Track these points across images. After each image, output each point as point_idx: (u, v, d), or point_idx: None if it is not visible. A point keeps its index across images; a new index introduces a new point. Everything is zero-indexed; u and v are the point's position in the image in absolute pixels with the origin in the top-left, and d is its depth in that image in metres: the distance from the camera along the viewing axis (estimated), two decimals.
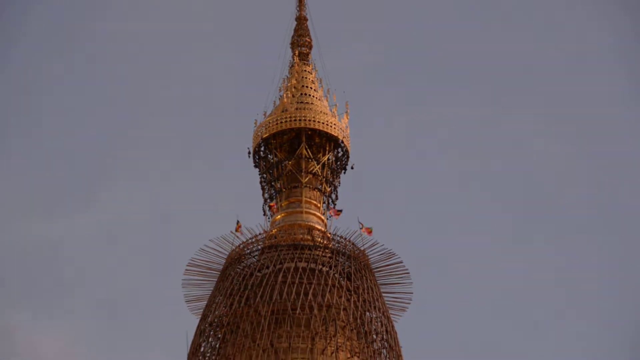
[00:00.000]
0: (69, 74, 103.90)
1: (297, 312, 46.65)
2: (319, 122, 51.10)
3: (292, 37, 53.19)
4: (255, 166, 52.68)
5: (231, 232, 50.39)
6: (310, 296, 47.31)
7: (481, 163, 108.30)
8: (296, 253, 49.43)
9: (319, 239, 50.29)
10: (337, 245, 50.51)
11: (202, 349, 48.31)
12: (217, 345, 48.46)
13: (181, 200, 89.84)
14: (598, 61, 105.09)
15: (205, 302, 49.40)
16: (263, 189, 52.55)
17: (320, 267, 49.03)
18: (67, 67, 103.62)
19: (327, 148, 51.82)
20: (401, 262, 49.89)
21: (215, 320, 48.75)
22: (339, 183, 52.26)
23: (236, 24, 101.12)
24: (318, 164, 51.59)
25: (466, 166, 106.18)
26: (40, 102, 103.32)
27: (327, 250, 50.04)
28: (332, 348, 47.37)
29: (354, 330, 47.74)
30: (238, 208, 53.73)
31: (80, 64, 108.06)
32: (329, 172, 52.22)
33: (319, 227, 50.91)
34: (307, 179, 51.60)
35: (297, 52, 52.64)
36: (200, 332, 48.33)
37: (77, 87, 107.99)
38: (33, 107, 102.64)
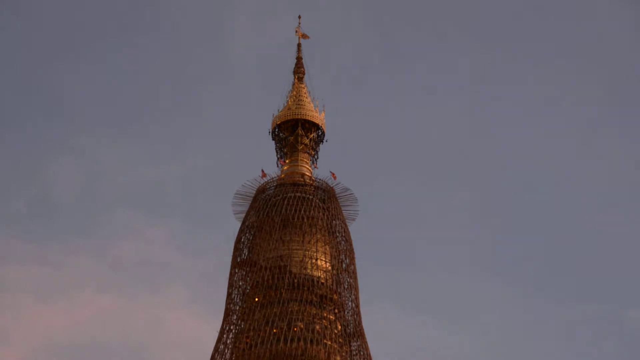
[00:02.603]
0: None
1: (295, 220, 77.12)
2: (308, 115, 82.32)
3: (294, 68, 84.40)
4: (273, 139, 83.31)
5: (259, 176, 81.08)
6: (302, 211, 77.71)
7: None
8: (295, 188, 79.80)
9: (308, 180, 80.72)
10: (317, 183, 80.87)
11: (242, 240, 79.16)
12: (251, 238, 79.09)
13: (239, 158, 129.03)
14: None
15: (244, 214, 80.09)
16: (276, 152, 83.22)
17: (308, 196, 79.46)
18: None
19: (313, 130, 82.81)
20: (352, 193, 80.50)
21: (249, 224, 79.30)
22: (319, 149, 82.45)
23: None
24: (307, 138, 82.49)
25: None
26: None
27: (311, 187, 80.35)
28: (314, 240, 77.60)
29: (326, 231, 78.25)
30: (262, 164, 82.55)
31: None
32: (313, 143, 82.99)
33: (308, 174, 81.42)
34: (301, 147, 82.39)
35: (296, 77, 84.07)
36: (241, 231, 79.23)
37: None
38: None
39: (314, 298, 75.79)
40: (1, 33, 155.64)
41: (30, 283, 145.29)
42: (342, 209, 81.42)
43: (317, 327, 74.70)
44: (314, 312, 75.31)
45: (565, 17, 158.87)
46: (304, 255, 77.56)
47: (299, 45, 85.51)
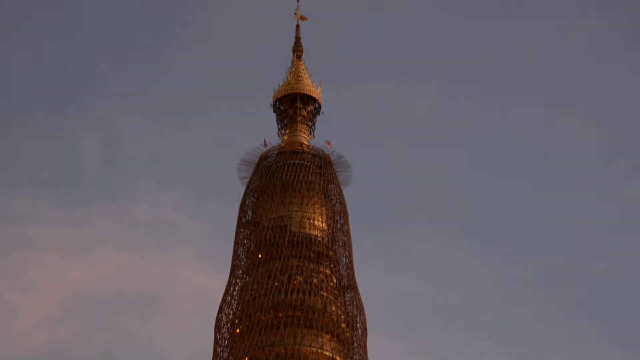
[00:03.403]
0: None
1: (294, 184, 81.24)
2: (306, 89, 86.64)
3: (293, 47, 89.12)
4: (274, 112, 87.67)
5: (261, 145, 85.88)
6: (300, 177, 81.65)
7: None
8: (294, 156, 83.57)
9: (306, 149, 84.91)
10: (314, 151, 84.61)
11: (246, 202, 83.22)
12: (254, 201, 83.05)
13: (244, 129, 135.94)
14: None
15: (248, 179, 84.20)
16: (277, 124, 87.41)
17: (306, 163, 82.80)
18: None
19: (310, 103, 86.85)
20: (346, 160, 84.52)
21: (253, 188, 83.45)
22: (316, 121, 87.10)
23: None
24: (305, 111, 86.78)
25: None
26: None
27: (309, 154, 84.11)
28: (312, 202, 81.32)
29: (322, 194, 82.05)
30: (265, 134, 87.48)
31: None
32: (311, 115, 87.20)
33: (306, 143, 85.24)
34: (300, 118, 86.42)
35: (295, 55, 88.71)
36: (245, 194, 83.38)
37: None
38: None
39: (312, 254, 78.94)
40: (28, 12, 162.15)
41: (56, 242, 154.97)
42: (337, 174, 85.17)
43: (315, 280, 77.90)
44: (312, 267, 78.54)
45: None
46: (303, 216, 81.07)
47: (297, 26, 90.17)
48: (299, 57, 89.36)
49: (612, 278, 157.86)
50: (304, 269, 78.33)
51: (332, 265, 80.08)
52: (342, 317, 77.97)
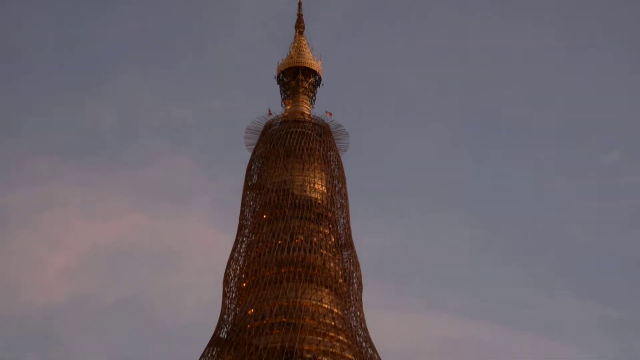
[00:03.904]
0: None
1: (296, 150, 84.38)
2: (307, 63, 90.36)
3: (295, 23, 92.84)
4: (278, 84, 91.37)
5: (266, 114, 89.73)
6: (302, 144, 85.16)
7: None
8: (296, 124, 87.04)
9: (307, 118, 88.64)
10: (315, 120, 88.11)
11: (252, 167, 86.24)
12: (260, 166, 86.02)
13: (250, 100, 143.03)
14: None
15: (254, 146, 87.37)
16: (281, 95, 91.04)
17: (307, 131, 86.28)
18: None
19: (311, 75, 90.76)
20: (344, 128, 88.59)
21: (258, 154, 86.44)
22: (317, 92, 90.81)
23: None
24: (307, 83, 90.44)
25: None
26: None
27: (310, 123, 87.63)
28: (312, 168, 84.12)
29: (322, 160, 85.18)
30: (269, 104, 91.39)
31: None
32: (312, 87, 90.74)
33: (307, 113, 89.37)
34: (302, 90, 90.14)
35: (297, 31, 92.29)
36: (251, 160, 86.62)
37: None
38: None
39: (312, 215, 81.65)
40: None
41: (78, 202, 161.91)
42: (336, 141, 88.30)
43: (315, 239, 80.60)
44: (312, 227, 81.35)
45: None
46: (304, 180, 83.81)
47: (299, 4, 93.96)
48: (301, 33, 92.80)
49: None
50: (304, 228, 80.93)
51: (330, 226, 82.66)
52: (340, 272, 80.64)
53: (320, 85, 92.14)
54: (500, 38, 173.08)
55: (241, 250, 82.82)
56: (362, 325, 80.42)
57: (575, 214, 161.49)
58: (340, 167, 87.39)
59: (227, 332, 79.44)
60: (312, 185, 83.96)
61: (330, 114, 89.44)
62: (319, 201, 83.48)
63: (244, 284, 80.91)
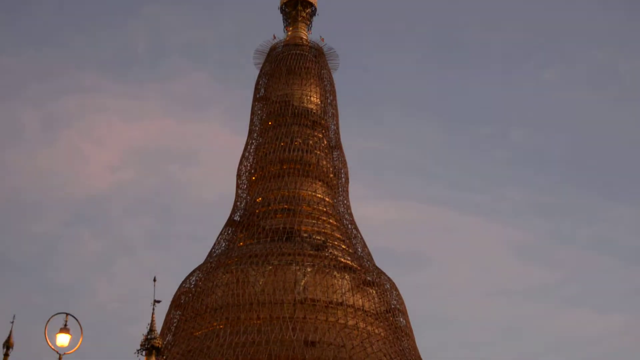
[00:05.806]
0: None
1: (295, 69, 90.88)
2: None
3: None
4: (281, 13, 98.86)
5: (271, 39, 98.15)
6: (300, 63, 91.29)
7: None
8: (296, 47, 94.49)
9: (305, 42, 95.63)
10: (311, 44, 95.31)
11: (259, 82, 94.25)
12: (266, 81, 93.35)
13: (258, 26, 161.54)
14: None
15: (261, 65, 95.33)
16: (283, 22, 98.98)
17: (304, 53, 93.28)
18: None
19: (308, 6, 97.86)
20: (335, 51, 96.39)
21: (264, 72, 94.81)
22: (313, 20, 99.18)
23: None
24: (305, 12, 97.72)
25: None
26: None
27: (307, 46, 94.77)
28: (309, 83, 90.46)
29: (316, 77, 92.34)
30: (274, 30, 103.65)
31: None
32: (309, 16, 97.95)
33: (305, 38, 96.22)
34: (300, 19, 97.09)
35: None
36: (259, 76, 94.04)
37: None
38: None
39: (308, 122, 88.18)
40: None
41: (116, 107, 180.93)
42: (328, 62, 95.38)
43: (311, 142, 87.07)
44: (308, 132, 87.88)
45: None
46: (302, 94, 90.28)
47: None
48: None
49: None
50: (302, 133, 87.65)
51: (323, 131, 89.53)
52: (330, 169, 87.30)
53: (316, 15, 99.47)
54: None
55: (251, 150, 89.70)
56: (348, 211, 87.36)
57: None
58: (331, 83, 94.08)
59: (240, 216, 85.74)
60: (308, 97, 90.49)
61: (324, 39, 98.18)
62: (314, 111, 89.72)
63: (253, 177, 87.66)
